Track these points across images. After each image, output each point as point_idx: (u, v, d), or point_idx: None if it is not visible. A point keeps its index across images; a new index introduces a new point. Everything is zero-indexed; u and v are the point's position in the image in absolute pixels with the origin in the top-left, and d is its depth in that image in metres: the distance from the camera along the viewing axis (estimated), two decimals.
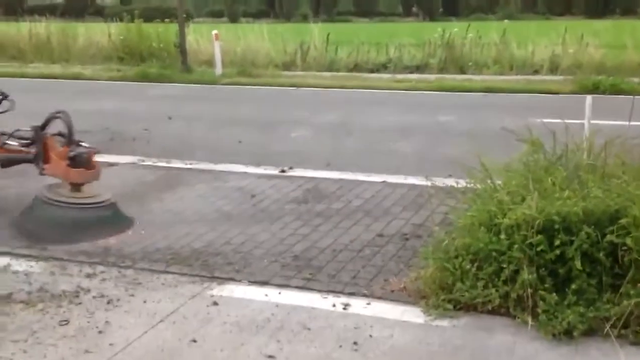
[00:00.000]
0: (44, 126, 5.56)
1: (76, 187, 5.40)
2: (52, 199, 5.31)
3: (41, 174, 5.54)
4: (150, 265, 4.77)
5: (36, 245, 5.08)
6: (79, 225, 5.25)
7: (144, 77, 16.57)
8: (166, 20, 21.01)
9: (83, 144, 5.46)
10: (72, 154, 5.33)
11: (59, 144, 5.49)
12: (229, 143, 9.08)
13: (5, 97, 5.85)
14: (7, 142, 5.68)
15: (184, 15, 18.83)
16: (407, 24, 38.39)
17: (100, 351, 3.59)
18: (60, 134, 5.54)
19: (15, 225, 5.43)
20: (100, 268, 4.72)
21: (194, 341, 3.68)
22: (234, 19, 49.72)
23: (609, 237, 3.68)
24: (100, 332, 3.80)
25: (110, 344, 3.65)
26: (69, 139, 5.43)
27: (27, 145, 5.64)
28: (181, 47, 17.62)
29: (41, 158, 5.51)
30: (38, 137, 5.50)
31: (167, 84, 15.92)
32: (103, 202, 5.44)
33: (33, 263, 4.82)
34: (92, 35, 21.36)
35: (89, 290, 4.34)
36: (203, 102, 13.03)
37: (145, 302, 4.17)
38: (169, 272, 4.65)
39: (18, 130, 5.70)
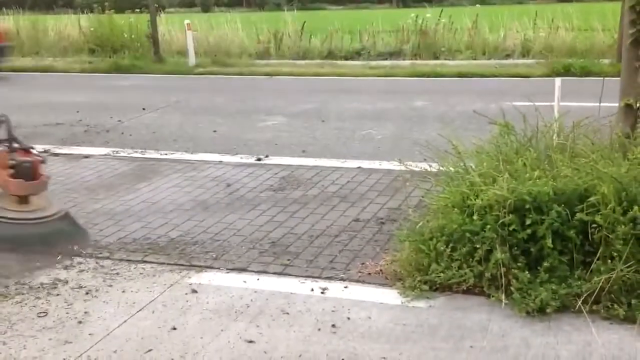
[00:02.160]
0: None
1: (23, 199, 4.90)
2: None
3: None
4: (127, 255, 4.77)
5: None
6: (18, 245, 4.80)
7: (117, 69, 16.45)
8: (137, 10, 20.85)
9: (33, 151, 5.02)
10: (12, 162, 4.87)
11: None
12: (204, 133, 9.07)
13: None
14: None
15: (156, 6, 18.68)
16: (380, 10, 38.35)
17: (80, 341, 3.60)
18: (9, 140, 5.01)
19: None
20: (77, 259, 4.72)
21: (174, 329, 3.70)
22: (206, 9, 49.35)
23: (578, 215, 3.75)
24: (79, 322, 3.80)
25: (90, 334, 3.66)
26: (10, 145, 4.93)
27: None
28: (153, 38, 17.51)
29: None
30: None
31: (140, 74, 15.82)
32: (48, 216, 4.94)
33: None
34: (62, 27, 21.12)
35: (66, 282, 4.34)
36: (177, 92, 12.96)
37: (123, 292, 4.18)
38: (146, 261, 4.65)
39: None
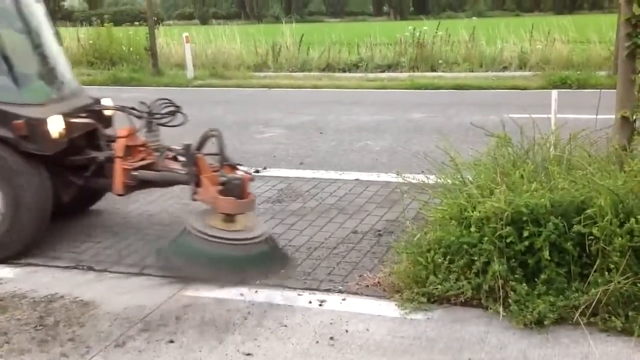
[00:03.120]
0: (199, 146, 4.86)
1: (229, 217, 4.63)
2: (200, 230, 4.54)
3: (192, 199, 4.83)
4: (126, 268, 4.77)
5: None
6: (228, 265, 4.52)
7: (115, 81, 16.48)
8: (136, 23, 20.93)
9: (240, 167, 4.84)
10: (223, 179, 4.67)
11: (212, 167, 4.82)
12: None
13: (178, 110, 5.29)
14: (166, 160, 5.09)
15: (154, 18, 18.75)
16: (378, 23, 38.54)
17: (76, 356, 3.59)
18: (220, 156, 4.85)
19: (161, 255, 4.79)
20: (75, 272, 4.72)
21: (171, 342, 3.70)
22: (204, 21, 49.56)
23: (576, 228, 3.76)
24: (77, 335, 3.80)
25: (87, 348, 3.66)
26: (221, 161, 4.78)
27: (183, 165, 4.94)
28: (152, 50, 17.56)
29: (194, 181, 4.76)
30: (190, 157, 4.77)
31: (138, 87, 15.85)
32: (256, 237, 4.64)
33: (6, 268, 4.80)
34: (61, 40, 21.15)
35: (64, 295, 4.34)
36: None
37: (122, 304, 4.18)
38: (145, 274, 4.65)
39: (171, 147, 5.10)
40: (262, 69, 18.40)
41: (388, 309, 3.98)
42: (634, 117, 4.67)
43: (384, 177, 6.88)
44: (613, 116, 4.81)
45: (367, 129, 9.88)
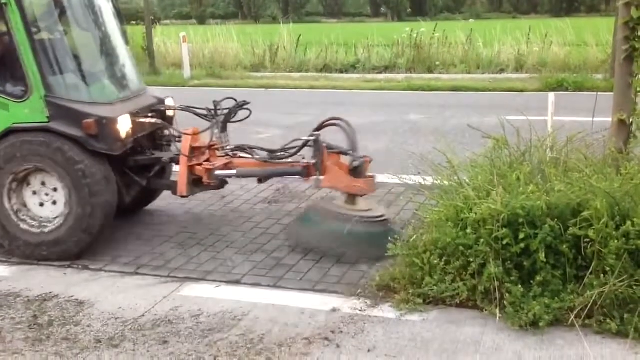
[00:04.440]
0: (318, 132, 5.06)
1: (352, 199, 4.89)
2: (346, 213, 4.76)
3: (317, 187, 5.06)
4: (121, 267, 4.76)
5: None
6: (375, 241, 4.68)
7: None
8: (133, 22, 20.86)
9: (351, 152, 4.98)
10: (355, 164, 4.88)
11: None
12: None
13: (241, 105, 5.50)
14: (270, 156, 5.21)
15: (151, 18, 18.73)
16: (375, 24, 38.53)
17: (70, 355, 3.58)
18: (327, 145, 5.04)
19: (297, 239, 5.05)
20: (69, 271, 4.71)
21: (166, 342, 3.69)
22: (202, 21, 49.51)
23: (572, 230, 3.77)
24: (71, 334, 3.79)
25: (81, 347, 3.65)
26: (353, 148, 4.96)
27: (289, 157, 5.15)
28: (149, 50, 17.53)
29: (319, 169, 4.94)
30: (318, 147, 4.95)
31: None
32: (383, 215, 4.94)
33: (1, 267, 4.79)
34: None
35: (58, 294, 4.32)
36: None
37: (116, 304, 4.17)
38: (140, 273, 4.65)
39: (295, 140, 5.19)
40: (260, 69, 18.39)
41: (384, 310, 3.97)
42: (631, 120, 4.68)
43: (381, 178, 6.81)
44: (610, 119, 4.82)
45: (363, 130, 9.85)
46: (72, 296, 4.29)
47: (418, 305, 3.94)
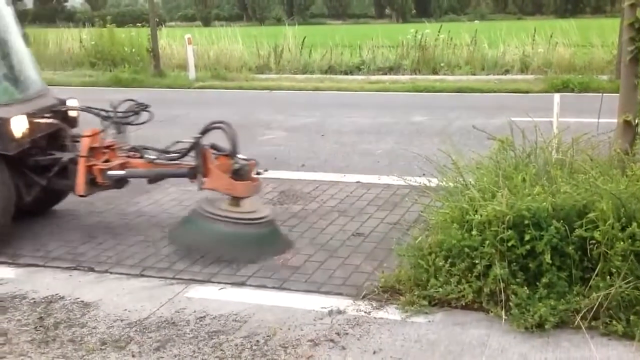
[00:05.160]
0: (201, 137, 5.13)
1: (236, 201, 4.99)
2: (220, 215, 4.88)
3: (200, 188, 5.12)
4: (126, 269, 4.77)
5: (8, 252, 5.06)
6: (250, 243, 4.92)
7: (117, 82, 16.48)
8: (138, 24, 20.93)
9: (240, 155, 5.10)
10: (237, 166, 5.00)
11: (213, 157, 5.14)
12: None
13: (144, 108, 5.57)
14: (157, 157, 5.30)
15: (156, 20, 18.76)
16: (380, 25, 38.52)
17: (76, 357, 3.59)
18: (213, 147, 5.17)
19: (175, 240, 5.15)
20: (75, 273, 4.72)
21: (171, 344, 3.69)
22: (207, 23, 49.57)
23: (577, 232, 3.76)
24: (77, 336, 3.79)
25: (87, 349, 3.66)
26: (233, 150, 5.06)
27: (177, 159, 5.23)
28: (154, 52, 17.56)
29: (201, 171, 5.07)
30: (198, 149, 5.08)
31: (140, 88, 15.84)
32: (265, 217, 5.06)
33: (7, 269, 4.80)
34: (63, 41, 21.20)
35: (64, 296, 4.33)
36: (177, 106, 12.99)
37: (122, 305, 4.17)
38: (145, 275, 4.65)
39: (177, 142, 5.27)
40: (264, 70, 18.40)
41: (389, 311, 3.97)
42: (637, 121, 4.67)
43: (385, 179, 6.86)
44: (615, 120, 4.81)
45: (368, 131, 9.87)
46: (77, 298, 4.30)
47: (423, 307, 3.94)
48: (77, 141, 5.40)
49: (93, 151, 5.29)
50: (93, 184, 5.31)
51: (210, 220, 4.87)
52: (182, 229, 5.13)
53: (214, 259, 4.86)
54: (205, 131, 5.09)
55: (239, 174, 4.98)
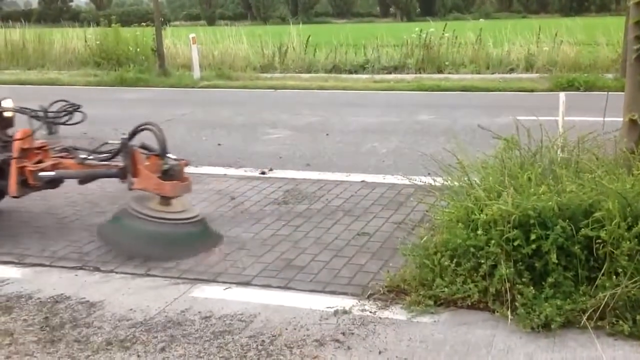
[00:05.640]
0: (130, 138, 5.18)
1: (166, 200, 5.08)
2: (147, 214, 4.97)
3: (130, 188, 5.15)
4: (132, 269, 4.77)
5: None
6: (175, 242, 5.01)
7: (122, 82, 16.51)
8: (143, 24, 20.96)
9: (171, 155, 5.17)
10: (166, 166, 5.09)
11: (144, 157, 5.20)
12: (208, 146, 9.09)
13: (76, 108, 5.65)
14: (87, 157, 5.35)
15: (161, 19, 18.79)
16: (385, 24, 38.52)
17: (82, 357, 3.59)
18: (143, 147, 5.22)
19: (103, 237, 5.19)
20: (81, 273, 4.73)
21: (176, 344, 3.69)
22: (211, 22, 49.61)
23: (583, 231, 3.74)
24: (83, 336, 3.80)
25: (93, 350, 3.66)
26: (162, 151, 5.11)
27: (107, 160, 5.30)
28: (158, 51, 17.59)
29: (130, 172, 5.13)
30: (126, 150, 5.13)
31: (145, 88, 15.88)
32: (195, 217, 5.16)
33: (13, 269, 4.81)
34: (68, 40, 21.25)
35: (70, 295, 4.34)
36: (181, 105, 13.02)
37: (127, 305, 4.18)
38: (150, 275, 4.66)
39: (105, 143, 5.38)
40: (269, 70, 18.42)
41: (394, 311, 3.96)
42: None
43: (390, 179, 6.86)
44: (621, 119, 4.79)
45: (373, 130, 9.87)
46: (83, 298, 4.30)
47: (429, 307, 3.93)
48: (9, 142, 5.43)
49: (25, 152, 5.33)
50: (25, 185, 5.36)
51: (137, 219, 4.95)
52: (110, 227, 5.19)
53: (222, 258, 4.87)
54: (133, 133, 5.16)
55: (168, 174, 5.06)
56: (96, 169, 5.33)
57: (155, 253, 4.90)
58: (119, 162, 5.21)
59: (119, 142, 5.15)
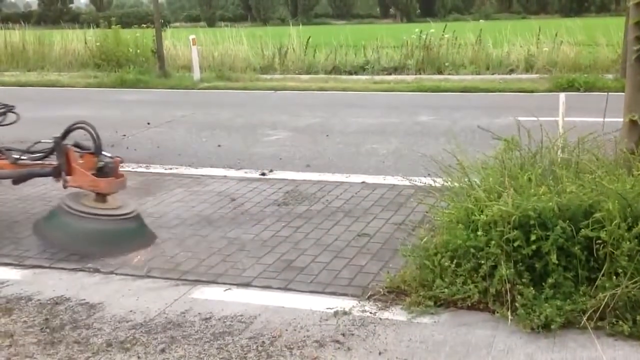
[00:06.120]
0: (63, 137, 5.25)
1: (102, 197, 5.17)
2: (81, 210, 5.06)
3: (65, 186, 5.20)
4: (132, 270, 4.77)
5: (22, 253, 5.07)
6: (110, 238, 5.10)
7: (122, 83, 16.51)
8: (143, 25, 20.97)
9: (106, 153, 5.26)
10: (101, 164, 5.18)
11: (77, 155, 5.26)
12: (208, 147, 9.09)
13: (10, 109, 5.68)
14: (20, 157, 5.39)
15: (161, 21, 18.79)
16: (384, 25, 38.54)
17: (81, 358, 3.59)
18: (76, 145, 5.28)
19: (39, 234, 5.25)
20: (81, 274, 4.73)
21: (176, 345, 3.69)
22: (211, 24, 49.62)
23: (583, 232, 3.74)
24: (83, 338, 3.80)
25: (93, 351, 3.66)
26: (97, 149, 5.20)
27: (41, 159, 5.37)
28: (158, 53, 17.60)
29: (64, 170, 5.19)
30: (60, 149, 5.20)
31: (145, 89, 15.89)
32: (131, 212, 5.25)
33: (13, 270, 4.81)
34: (68, 42, 21.25)
35: (70, 297, 4.34)
36: (182, 107, 13.02)
37: (127, 307, 4.18)
38: (150, 276, 4.65)
39: (37, 143, 5.41)
40: (269, 71, 18.43)
41: (395, 312, 3.96)
42: None
43: (391, 180, 6.86)
44: (621, 119, 4.79)
45: (373, 131, 9.87)
46: (83, 299, 4.30)
47: (429, 308, 3.93)
48: None
49: None
50: None
51: (72, 215, 5.03)
52: (45, 223, 5.25)
53: (222, 259, 4.87)
54: (66, 132, 5.23)
55: (103, 171, 5.16)
56: (30, 168, 5.40)
57: (89, 249, 4.99)
58: (53, 161, 5.29)
59: (52, 141, 5.23)
